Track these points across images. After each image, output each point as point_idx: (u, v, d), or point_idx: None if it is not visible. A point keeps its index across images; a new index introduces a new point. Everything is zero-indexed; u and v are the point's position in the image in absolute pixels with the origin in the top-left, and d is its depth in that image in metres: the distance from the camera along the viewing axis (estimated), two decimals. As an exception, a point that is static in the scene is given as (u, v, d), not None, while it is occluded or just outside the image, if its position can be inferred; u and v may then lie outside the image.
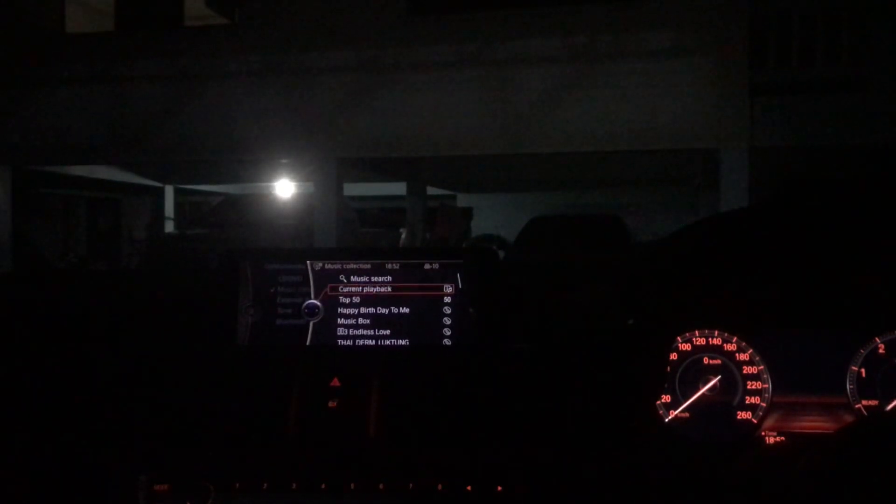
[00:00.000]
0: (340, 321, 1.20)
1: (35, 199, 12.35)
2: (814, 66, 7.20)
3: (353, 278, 1.21)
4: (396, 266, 1.21)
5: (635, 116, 7.47)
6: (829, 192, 1.12)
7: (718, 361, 1.20)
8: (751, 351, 1.19)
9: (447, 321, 1.18)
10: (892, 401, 1.16)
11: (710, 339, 1.21)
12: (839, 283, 1.18)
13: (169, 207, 14.13)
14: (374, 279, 1.21)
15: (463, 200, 16.31)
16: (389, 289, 1.21)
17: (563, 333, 1.20)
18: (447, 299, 1.19)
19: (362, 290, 1.21)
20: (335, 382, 1.14)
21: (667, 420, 1.18)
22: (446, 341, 1.18)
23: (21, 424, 1.19)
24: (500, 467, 1.06)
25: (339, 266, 1.22)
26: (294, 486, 1.06)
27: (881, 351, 1.17)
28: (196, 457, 1.10)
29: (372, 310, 1.20)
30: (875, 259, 1.17)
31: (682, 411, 1.19)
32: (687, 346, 1.21)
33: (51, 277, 1.78)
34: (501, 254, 10.12)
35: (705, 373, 1.19)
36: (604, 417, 1.13)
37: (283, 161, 9.69)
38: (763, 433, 1.17)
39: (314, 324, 1.20)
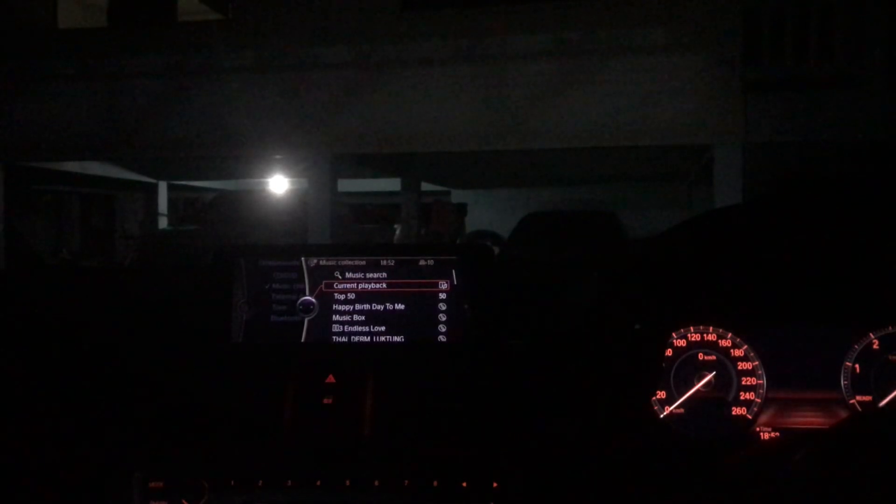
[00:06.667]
0: (335, 318, 1.20)
1: (27, 195, 12.29)
2: (808, 63, 7.21)
3: (347, 275, 1.21)
4: (391, 262, 1.21)
5: (629, 112, 7.47)
6: (824, 189, 1.13)
7: (713, 357, 1.20)
8: (745, 347, 1.19)
9: (442, 318, 1.18)
10: (886, 396, 1.16)
11: (704, 336, 1.21)
12: (834, 279, 1.19)
13: (162, 204, 14.07)
14: (368, 275, 1.21)
15: (457, 196, 16.28)
16: (384, 285, 1.20)
17: (558, 330, 1.20)
18: (442, 296, 1.19)
19: (357, 286, 1.21)
20: (330, 379, 1.14)
21: (661, 416, 1.19)
22: (441, 338, 1.18)
23: (14, 422, 1.19)
24: (496, 464, 1.06)
25: (333, 262, 1.22)
26: (289, 482, 1.06)
27: (875, 346, 1.18)
28: (191, 454, 1.09)
29: (367, 306, 1.20)
30: (869, 254, 1.17)
31: (677, 407, 1.19)
32: (682, 343, 1.21)
33: (43, 274, 1.77)
34: (496, 250, 10.12)
35: (700, 369, 1.20)
36: (599, 414, 1.13)
37: (277, 157, 9.66)
38: (757, 429, 1.17)
39: (309, 320, 1.20)
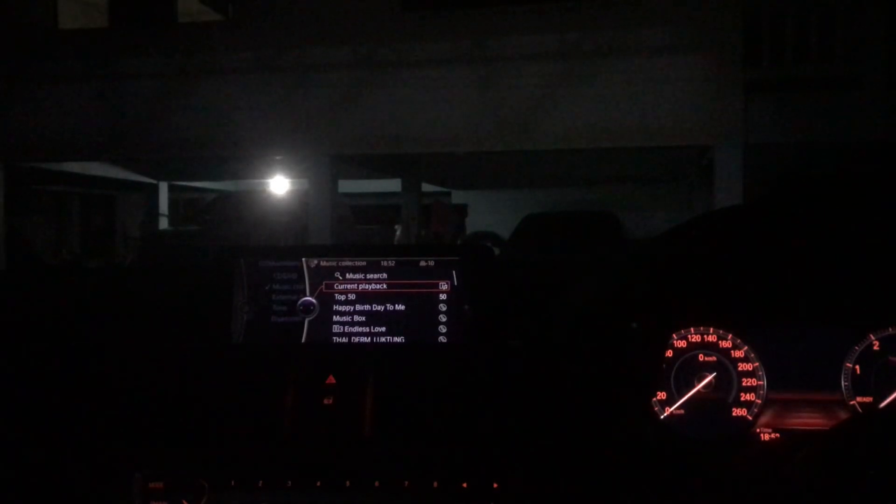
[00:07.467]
0: (336, 318, 1.20)
1: (28, 195, 12.30)
2: (808, 63, 7.21)
3: (348, 275, 1.21)
4: (392, 263, 1.21)
5: (630, 113, 7.47)
6: (824, 189, 1.13)
7: (713, 358, 1.20)
8: (746, 348, 1.19)
9: (442, 318, 1.18)
10: (887, 397, 1.16)
11: (705, 337, 1.21)
12: (833, 280, 1.19)
13: (163, 204, 14.08)
14: (369, 276, 1.21)
15: (458, 197, 16.28)
16: (385, 286, 1.20)
17: (558, 330, 1.20)
18: (442, 296, 1.19)
19: (357, 287, 1.21)
20: (330, 380, 1.14)
21: (662, 417, 1.19)
22: (442, 339, 1.18)
23: (14, 423, 1.19)
24: (496, 464, 1.06)
25: (334, 263, 1.22)
26: (289, 483, 1.06)
27: (875, 347, 1.18)
28: (191, 454, 1.09)
29: (367, 307, 1.20)
30: (869, 255, 1.17)
31: (678, 408, 1.19)
32: (682, 343, 1.21)
33: (44, 275, 1.77)
34: (496, 251, 10.09)
35: (700, 370, 1.20)
36: (599, 414, 1.13)
37: (278, 158, 9.67)
38: (758, 430, 1.17)
39: (309, 321, 1.20)
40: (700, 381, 1.19)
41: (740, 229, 1.17)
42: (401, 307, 1.20)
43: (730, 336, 1.20)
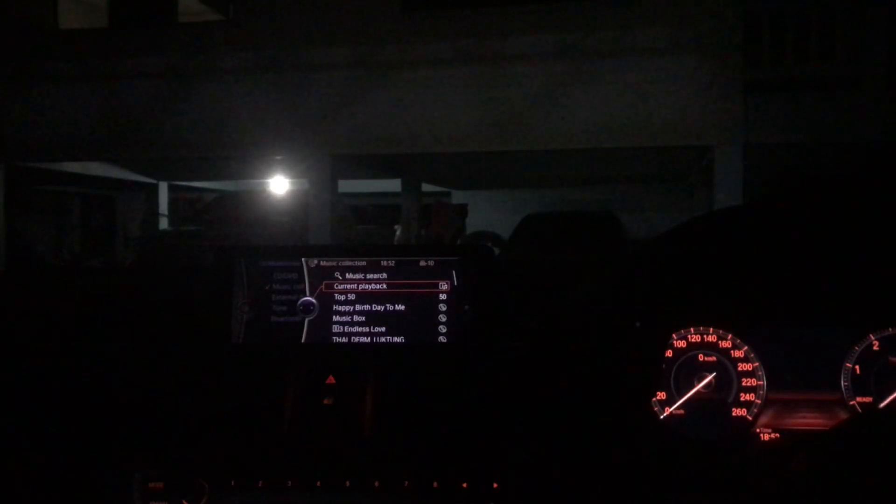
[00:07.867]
0: (336, 318, 1.20)
1: (28, 195, 12.29)
2: (808, 64, 7.21)
3: (348, 275, 1.21)
4: (392, 263, 1.21)
5: (630, 113, 7.47)
6: (824, 189, 1.13)
7: (713, 359, 1.20)
8: (745, 348, 1.19)
9: (443, 318, 1.18)
10: (887, 398, 1.16)
11: (705, 337, 1.21)
12: (833, 280, 1.19)
13: (163, 204, 14.06)
14: (369, 276, 1.21)
15: (458, 197, 16.27)
16: (385, 286, 1.20)
17: (559, 331, 1.20)
18: (443, 296, 1.19)
19: (357, 287, 1.21)
20: (330, 380, 1.14)
21: (662, 417, 1.19)
22: (442, 339, 1.18)
23: (14, 423, 1.19)
24: (496, 464, 1.06)
25: (334, 263, 1.22)
26: (289, 483, 1.06)
27: (875, 348, 1.18)
28: (191, 454, 1.09)
29: (367, 307, 1.20)
30: (869, 255, 1.17)
31: (678, 408, 1.19)
32: (682, 344, 1.21)
33: (44, 275, 1.77)
34: (496, 251, 10.08)
35: (700, 370, 1.20)
36: (599, 415, 1.13)
37: (278, 158, 9.66)
38: (758, 430, 1.17)
39: (309, 321, 1.20)
40: (700, 381, 1.19)
41: (740, 229, 1.17)
42: (401, 307, 1.20)
43: (730, 336, 1.20)
